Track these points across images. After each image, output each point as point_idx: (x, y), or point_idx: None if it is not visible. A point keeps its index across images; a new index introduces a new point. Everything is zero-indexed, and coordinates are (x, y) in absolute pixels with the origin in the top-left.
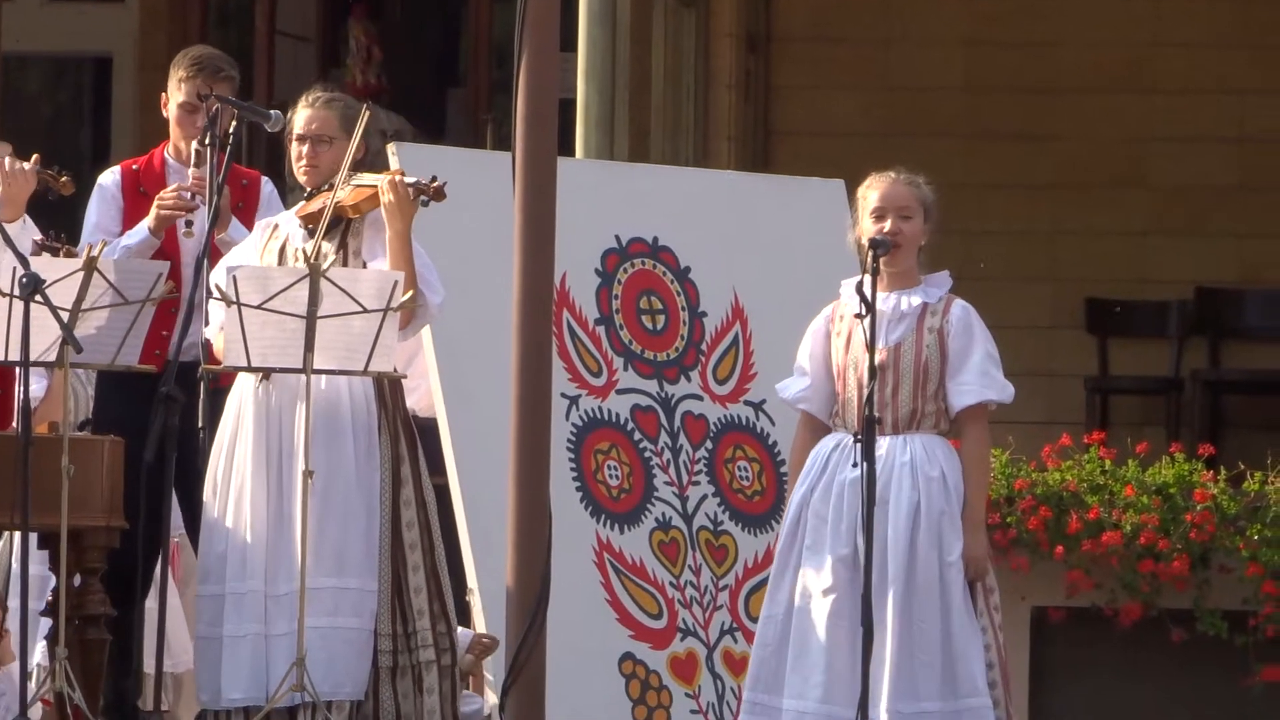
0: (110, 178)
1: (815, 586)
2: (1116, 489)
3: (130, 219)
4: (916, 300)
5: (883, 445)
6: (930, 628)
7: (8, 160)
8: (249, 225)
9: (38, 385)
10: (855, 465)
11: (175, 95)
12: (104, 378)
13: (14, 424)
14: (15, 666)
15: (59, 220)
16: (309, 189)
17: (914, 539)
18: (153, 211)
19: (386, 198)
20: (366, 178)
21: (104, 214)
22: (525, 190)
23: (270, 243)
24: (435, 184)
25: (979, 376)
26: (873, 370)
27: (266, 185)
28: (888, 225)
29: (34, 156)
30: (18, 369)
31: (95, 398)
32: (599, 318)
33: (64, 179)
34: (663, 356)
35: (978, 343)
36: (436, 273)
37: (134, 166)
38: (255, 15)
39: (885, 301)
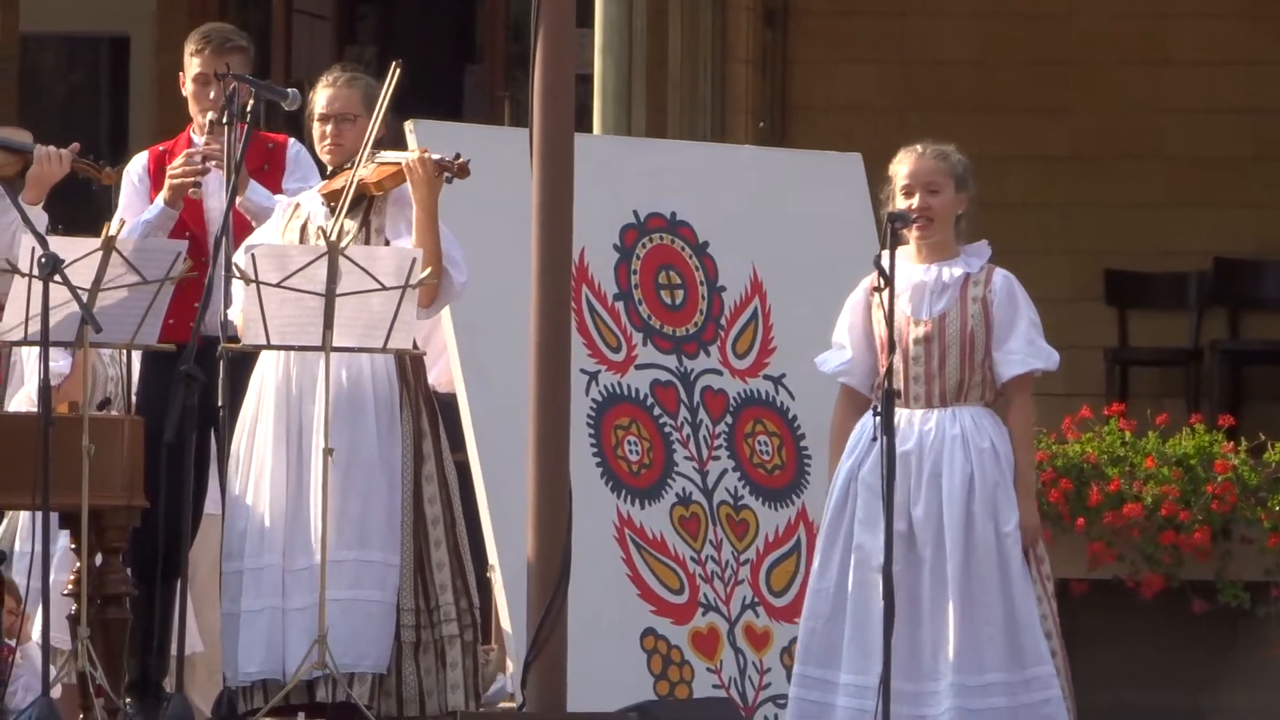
0: (138, 165)
1: (873, 560)
2: (1137, 461)
3: None
4: (958, 271)
5: (931, 418)
6: (992, 599)
7: (50, 148)
8: (275, 188)
9: (63, 362)
10: (874, 439)
11: (189, 70)
12: (147, 357)
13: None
14: (33, 647)
15: (83, 206)
16: (332, 167)
17: (969, 510)
18: (165, 183)
19: (414, 175)
20: (389, 155)
21: (130, 202)
22: (543, 166)
23: (292, 221)
24: (460, 160)
25: (1026, 345)
26: (892, 344)
27: (293, 147)
28: (916, 201)
29: (73, 145)
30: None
31: (140, 377)
32: (618, 293)
33: (106, 170)
34: (682, 331)
35: (1022, 311)
36: (462, 250)
37: (160, 149)
38: None
39: (927, 273)
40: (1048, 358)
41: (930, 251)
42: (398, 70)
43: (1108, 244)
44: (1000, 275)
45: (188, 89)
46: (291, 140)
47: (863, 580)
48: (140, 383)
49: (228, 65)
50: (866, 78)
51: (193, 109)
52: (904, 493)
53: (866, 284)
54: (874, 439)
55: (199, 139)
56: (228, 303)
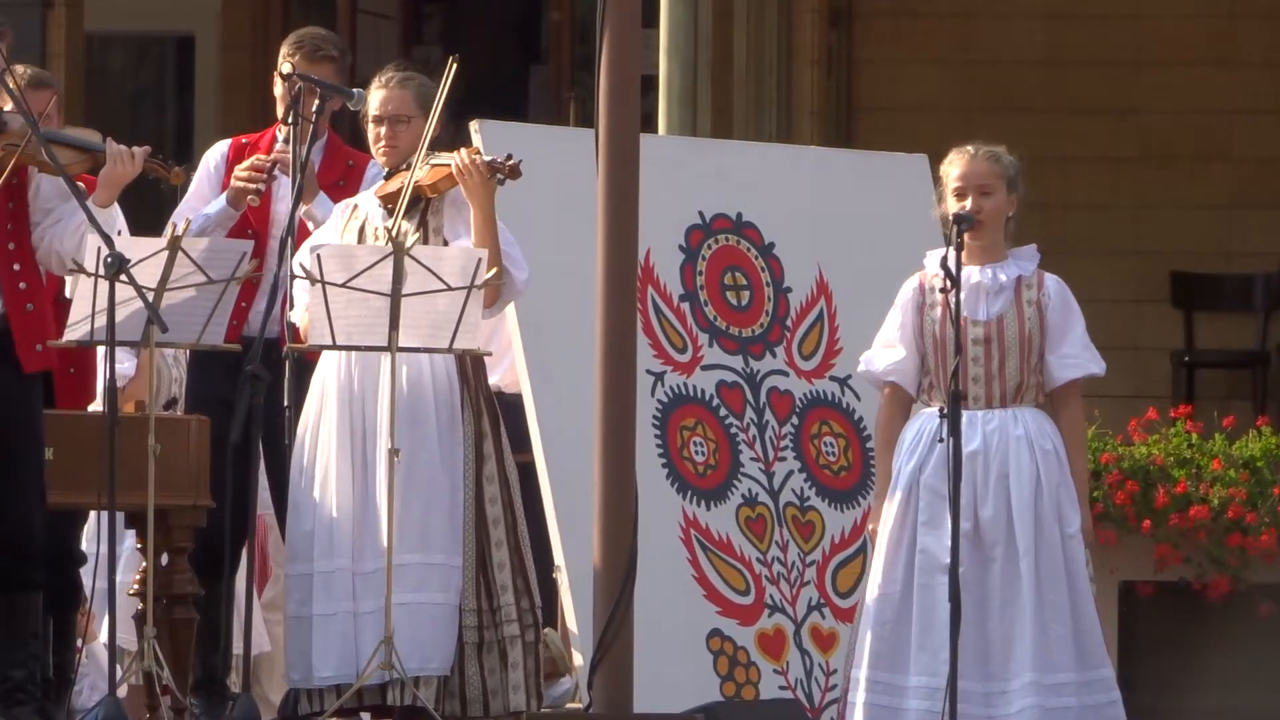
0: (216, 152)
1: (938, 562)
2: (1203, 463)
3: None
4: (1012, 273)
5: (993, 419)
6: (1060, 599)
7: (122, 147)
8: None
9: (128, 364)
10: (941, 440)
11: (281, 70)
12: (195, 355)
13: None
14: (99, 647)
15: (147, 204)
16: (388, 169)
17: (1038, 511)
18: (231, 182)
19: (465, 178)
20: (443, 156)
21: (200, 188)
22: (608, 167)
23: (350, 222)
24: (510, 162)
25: (1083, 350)
26: (958, 345)
27: (373, 168)
28: (969, 204)
29: (144, 147)
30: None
31: (188, 375)
32: (683, 294)
33: (175, 170)
34: (748, 332)
35: (1076, 316)
36: (520, 249)
37: (243, 141)
38: None
39: (982, 274)
40: (1099, 363)
41: (979, 253)
42: (454, 66)
43: (1174, 245)
44: (1051, 279)
45: (278, 89)
46: (373, 160)
47: (928, 583)
48: (190, 383)
49: (293, 66)
50: (932, 78)
51: (279, 109)
52: (970, 493)
53: (915, 283)
54: (940, 440)
55: (282, 137)
56: (290, 304)
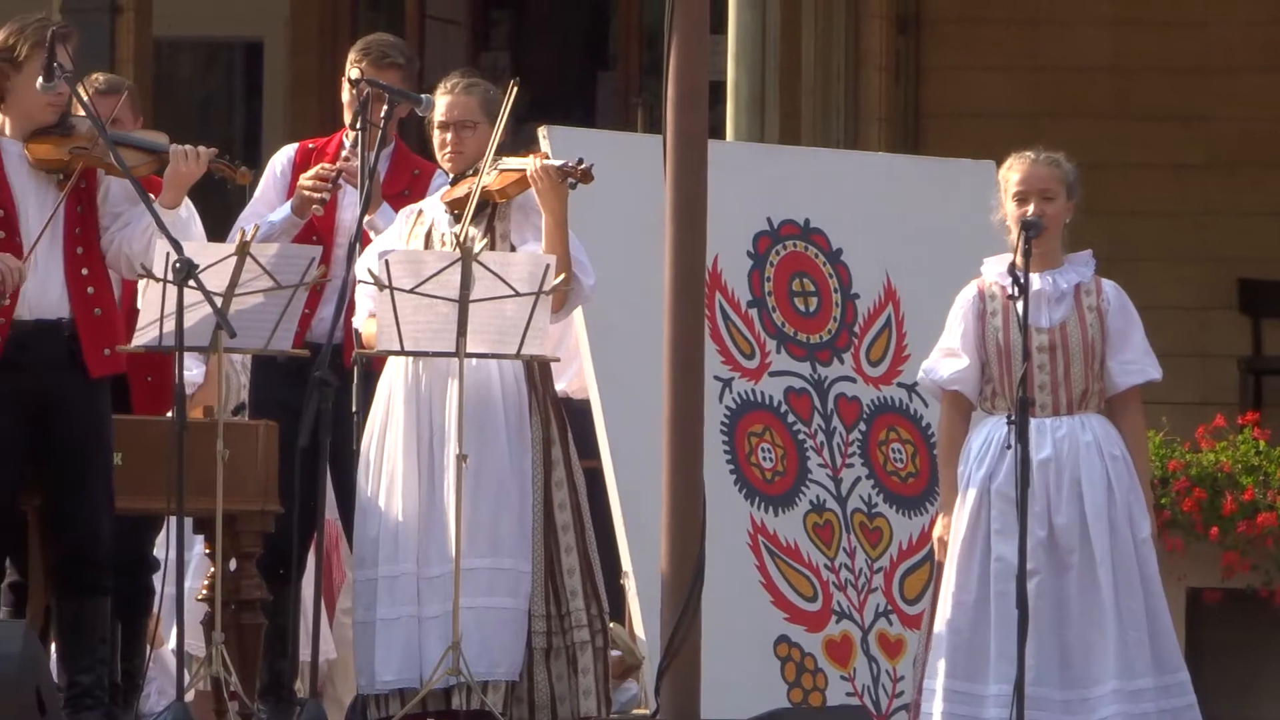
0: (283, 156)
1: (1014, 569)
2: (1271, 470)
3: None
4: (1071, 279)
5: (1062, 425)
6: (1137, 605)
7: (186, 147)
8: None
9: (196, 370)
10: (1009, 447)
11: (349, 75)
12: (259, 360)
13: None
14: (166, 652)
15: (215, 206)
16: (453, 174)
17: (1111, 517)
18: (296, 189)
19: (536, 183)
20: (512, 162)
21: (265, 193)
22: (676, 173)
23: (415, 228)
24: (582, 166)
25: (1144, 355)
26: (1027, 352)
27: (438, 178)
28: (1030, 209)
29: (211, 148)
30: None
31: (251, 380)
32: (751, 300)
33: (241, 169)
34: (815, 338)
35: (1135, 322)
36: (587, 254)
37: (310, 146)
38: None
39: (1043, 281)
40: (1158, 368)
41: (1039, 260)
42: (514, 90)
43: (1242, 252)
44: (1109, 285)
45: (345, 95)
46: (439, 170)
47: (1004, 590)
48: (252, 388)
49: (360, 72)
50: (1000, 85)
51: (347, 115)
52: (1043, 500)
53: (973, 290)
54: (1007, 447)
55: (350, 142)
56: (351, 311)
